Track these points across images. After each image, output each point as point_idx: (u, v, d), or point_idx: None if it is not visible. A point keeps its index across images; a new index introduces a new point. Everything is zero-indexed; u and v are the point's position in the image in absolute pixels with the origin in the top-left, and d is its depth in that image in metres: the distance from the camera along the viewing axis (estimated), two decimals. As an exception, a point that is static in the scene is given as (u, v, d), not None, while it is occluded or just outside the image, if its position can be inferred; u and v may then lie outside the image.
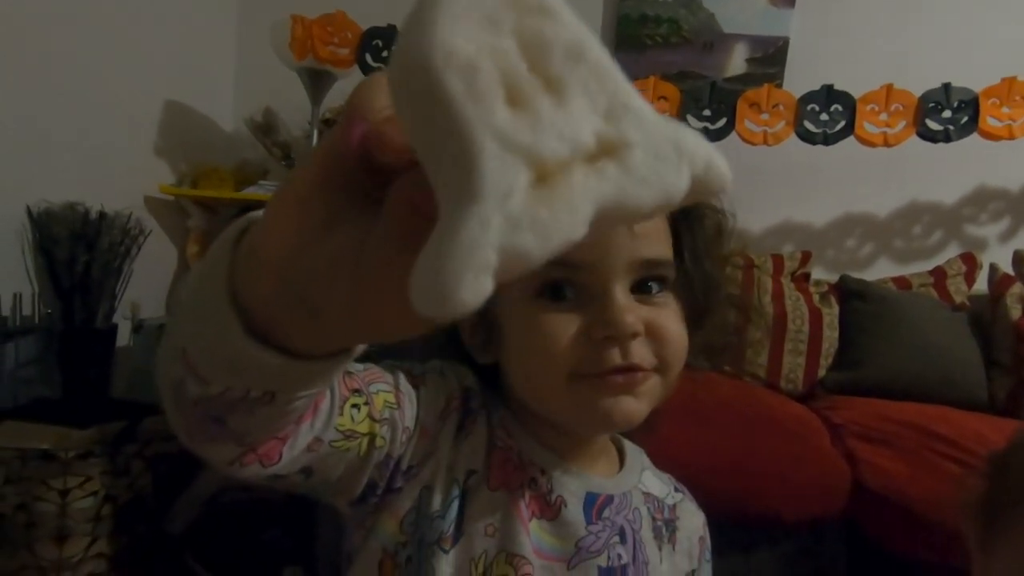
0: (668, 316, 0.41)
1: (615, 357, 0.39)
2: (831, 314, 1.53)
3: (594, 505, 0.44)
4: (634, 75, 1.77)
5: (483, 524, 0.41)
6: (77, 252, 1.57)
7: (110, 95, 1.74)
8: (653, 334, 0.40)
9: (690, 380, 1.37)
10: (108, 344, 1.64)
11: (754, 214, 2.05)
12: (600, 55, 0.17)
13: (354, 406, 0.36)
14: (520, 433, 0.44)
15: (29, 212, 1.53)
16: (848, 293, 1.56)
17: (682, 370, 0.42)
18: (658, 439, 1.10)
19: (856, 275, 1.77)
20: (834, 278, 1.70)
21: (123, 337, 1.75)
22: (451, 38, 0.15)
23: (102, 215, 1.61)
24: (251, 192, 1.94)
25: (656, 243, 0.41)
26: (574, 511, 0.43)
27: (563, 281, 0.40)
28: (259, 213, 0.23)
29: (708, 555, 0.52)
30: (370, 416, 0.37)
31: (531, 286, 0.40)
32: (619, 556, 0.44)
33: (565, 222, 0.15)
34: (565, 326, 0.39)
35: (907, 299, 1.51)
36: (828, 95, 1.53)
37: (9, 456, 1.14)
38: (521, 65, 0.16)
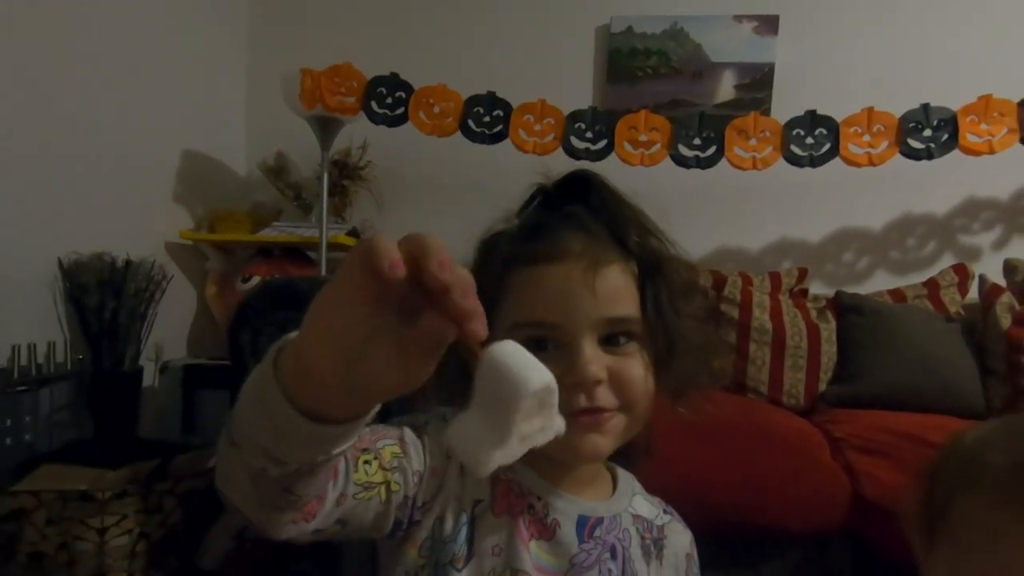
0: (631, 364, 0.48)
1: (582, 401, 0.46)
2: (828, 329, 1.58)
3: (586, 526, 0.50)
4: (627, 106, 1.86)
5: (490, 544, 0.48)
6: (105, 299, 1.66)
7: (130, 147, 1.85)
8: (616, 380, 0.47)
9: (696, 398, 1.42)
10: (135, 386, 1.72)
11: (752, 233, 2.12)
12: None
13: (366, 462, 0.43)
14: (518, 466, 0.51)
15: (60, 263, 1.63)
16: (844, 308, 1.61)
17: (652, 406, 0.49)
18: (665, 457, 1.15)
19: (853, 288, 1.82)
20: (832, 293, 1.75)
21: (148, 378, 1.83)
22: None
23: (127, 263, 1.70)
24: (266, 234, 2.04)
25: (620, 304, 0.48)
26: (567, 532, 0.50)
27: (543, 337, 0.48)
28: (291, 337, 0.32)
29: (696, 570, 0.58)
30: (381, 467, 0.44)
31: (520, 341, 0.46)
32: (609, 571, 0.50)
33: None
34: None
35: (902, 312, 1.55)
36: (812, 120, 1.60)
37: (51, 498, 1.20)
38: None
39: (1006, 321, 1.37)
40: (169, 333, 1.94)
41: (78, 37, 1.68)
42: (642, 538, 0.53)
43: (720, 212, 2.09)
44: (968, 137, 1.53)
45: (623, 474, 0.57)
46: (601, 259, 0.48)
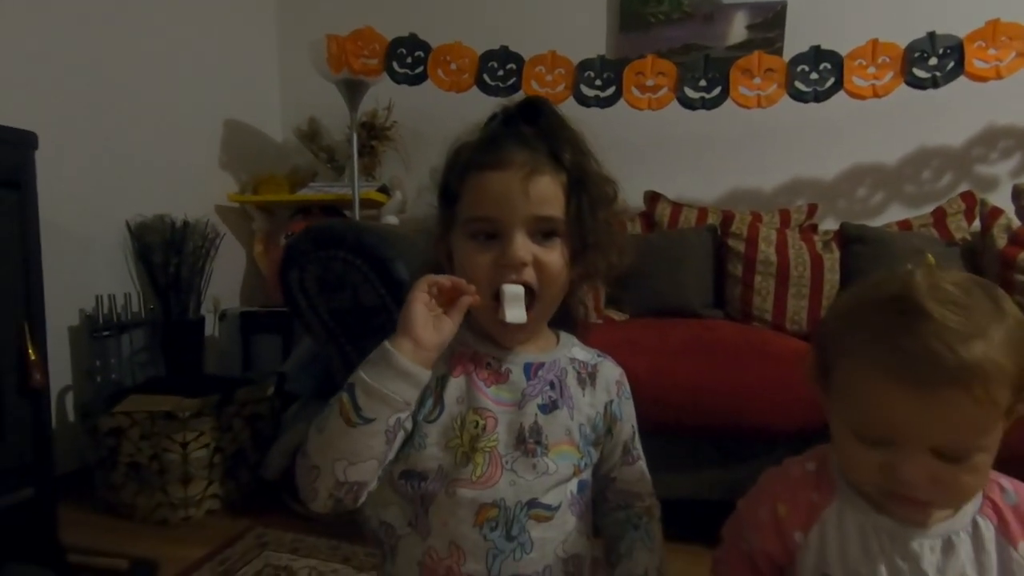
0: (552, 254, 0.61)
1: (511, 277, 0.60)
2: (832, 259, 1.65)
3: (531, 368, 0.65)
4: (640, 53, 1.91)
5: (454, 397, 0.63)
6: (169, 256, 1.87)
7: (179, 120, 2.03)
8: (539, 265, 0.61)
9: (699, 325, 1.56)
10: (199, 332, 1.94)
11: (765, 174, 2.17)
12: None
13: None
14: (474, 339, 0.65)
15: (128, 226, 1.84)
16: (849, 238, 1.68)
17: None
18: (668, 371, 1.28)
19: (867, 223, 1.87)
20: (844, 227, 1.81)
21: (209, 327, 2.05)
22: None
23: (185, 224, 1.90)
24: (304, 193, 2.21)
25: (548, 206, 0.60)
26: (517, 374, 0.65)
27: (485, 230, 0.61)
28: (360, 378, 0.56)
29: (627, 394, 0.71)
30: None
31: (467, 232, 0.62)
32: (550, 396, 0.64)
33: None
34: (484, 257, 0.61)
35: (903, 239, 1.61)
36: (816, 55, 1.63)
37: (142, 418, 1.43)
38: None
39: (1002, 241, 1.42)
40: (225, 286, 2.16)
41: (130, 25, 1.85)
42: (578, 373, 0.68)
43: (734, 154, 2.14)
44: (975, 63, 1.55)
45: (566, 335, 0.71)
46: (536, 169, 0.60)
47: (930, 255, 0.52)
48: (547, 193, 0.60)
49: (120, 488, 1.46)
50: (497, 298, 0.61)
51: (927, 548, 0.51)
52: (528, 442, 0.62)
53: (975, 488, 0.50)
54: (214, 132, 2.23)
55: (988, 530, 0.51)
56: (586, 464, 0.65)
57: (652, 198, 2.05)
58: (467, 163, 0.63)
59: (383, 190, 2.21)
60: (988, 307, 0.47)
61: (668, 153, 2.20)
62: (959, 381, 0.44)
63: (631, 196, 2.17)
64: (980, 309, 0.46)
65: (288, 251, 1.28)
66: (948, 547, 0.50)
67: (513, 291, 0.60)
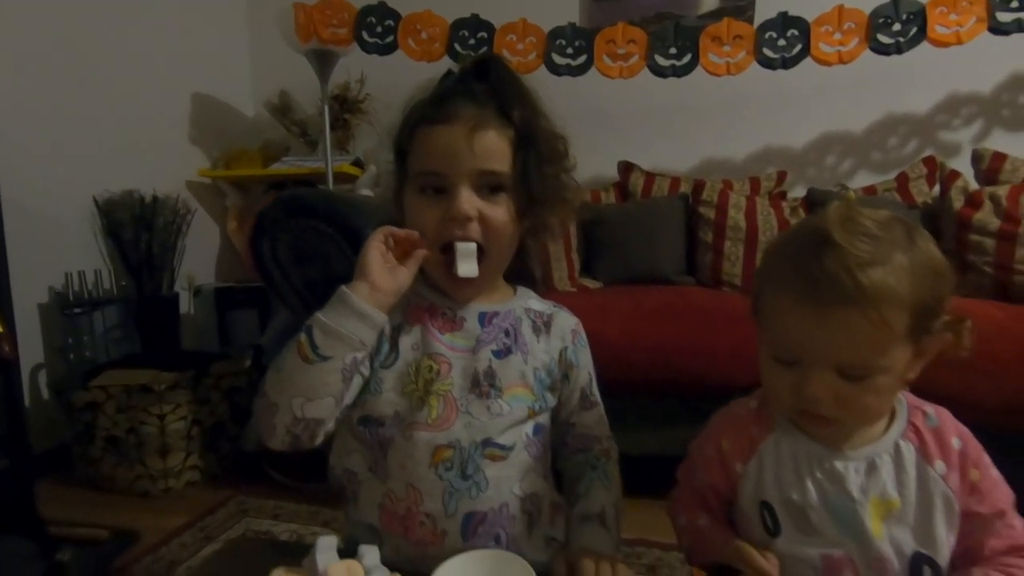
0: (498, 209, 0.63)
1: (457, 232, 0.62)
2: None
3: (486, 316, 0.68)
4: (613, 22, 1.91)
5: (409, 344, 0.65)
6: (139, 233, 1.84)
7: (145, 94, 1.99)
8: (484, 220, 0.62)
9: (671, 291, 1.59)
10: (174, 309, 1.93)
11: (736, 142, 2.20)
12: None
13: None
14: (430, 292, 0.68)
15: (95, 202, 1.81)
16: (814, 203, 1.72)
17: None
18: (639, 334, 1.31)
19: (835, 189, 1.91)
20: (813, 194, 1.84)
21: (184, 305, 2.04)
22: None
23: (155, 199, 1.88)
24: (277, 167, 2.18)
25: (493, 161, 0.62)
26: (472, 322, 0.67)
27: (432, 184, 0.63)
28: (318, 318, 0.58)
29: (583, 342, 0.74)
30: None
31: (416, 187, 0.64)
32: (504, 343, 0.67)
33: None
34: (432, 211, 0.63)
35: (867, 203, 1.65)
36: (784, 21, 1.65)
37: (118, 391, 1.43)
38: None
39: (959, 203, 1.47)
40: (199, 263, 2.14)
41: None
42: (533, 322, 0.70)
43: (707, 124, 2.16)
44: (936, 29, 1.58)
45: (524, 289, 0.74)
46: (482, 123, 0.61)
47: (852, 192, 0.54)
48: (492, 147, 0.62)
49: (98, 462, 1.46)
50: (446, 251, 0.63)
51: (851, 469, 0.54)
52: (482, 385, 0.64)
53: (877, 408, 0.54)
54: (182, 106, 2.18)
55: (909, 452, 0.54)
56: (541, 407, 0.67)
57: (626, 168, 2.07)
58: (417, 119, 0.64)
59: (357, 163, 2.20)
60: (899, 239, 0.50)
61: (642, 123, 2.22)
62: (854, 302, 0.48)
63: (605, 166, 2.20)
64: (890, 240, 0.49)
65: (259, 221, 1.28)
66: (871, 468, 0.54)
67: (466, 247, 0.62)
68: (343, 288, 0.60)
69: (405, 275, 0.62)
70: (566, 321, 0.73)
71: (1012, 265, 1.36)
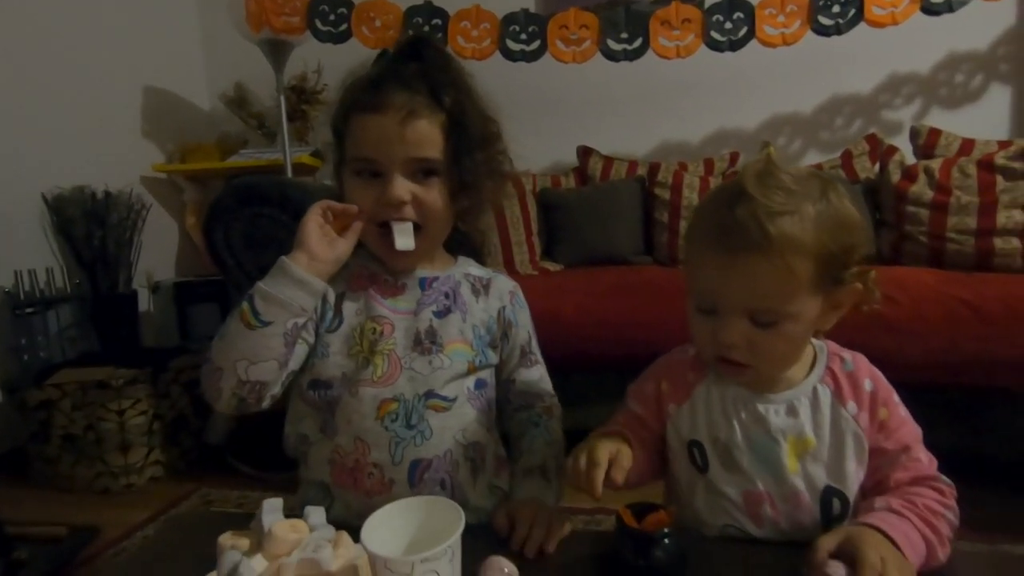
0: (431, 193, 0.66)
1: (393, 214, 0.65)
2: (750, 202, 1.74)
3: (426, 281, 0.71)
4: (564, 7, 1.93)
5: (353, 310, 0.68)
6: (92, 229, 1.80)
7: (94, 88, 1.94)
8: (418, 203, 0.65)
9: (628, 270, 1.63)
10: (132, 306, 1.90)
11: (690, 125, 2.25)
12: None
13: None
14: (372, 262, 0.71)
15: (44, 198, 1.76)
16: (764, 182, 1.77)
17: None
18: (597, 308, 1.34)
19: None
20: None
21: (143, 303, 2.00)
22: None
23: (107, 194, 1.84)
24: (235, 160, 2.16)
25: (425, 148, 0.64)
26: (413, 287, 0.70)
27: (368, 169, 0.65)
28: (259, 286, 0.60)
29: (521, 303, 0.77)
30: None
31: (353, 170, 0.66)
32: (445, 304, 0.70)
33: None
34: (368, 193, 0.65)
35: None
36: (730, 4, 1.69)
37: (72, 388, 1.41)
38: None
39: (896, 176, 1.54)
40: (157, 259, 2.10)
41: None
42: (472, 285, 0.74)
43: (663, 108, 2.21)
44: (873, 10, 1.64)
45: (464, 258, 0.77)
46: (414, 112, 0.63)
47: (771, 148, 0.58)
48: (424, 136, 0.64)
49: (56, 461, 1.44)
50: (383, 226, 0.66)
51: (772, 411, 0.58)
52: (424, 343, 0.67)
53: (787, 355, 0.57)
54: (134, 100, 2.14)
55: (825, 395, 0.58)
56: (481, 362, 0.71)
57: (584, 152, 2.10)
58: (350, 104, 0.66)
59: (316, 155, 2.18)
60: (812, 192, 0.53)
61: (600, 109, 2.25)
62: (760, 249, 0.51)
63: (565, 152, 2.24)
64: (803, 194, 0.53)
65: (212, 209, 1.27)
66: (791, 410, 0.58)
67: (402, 225, 0.66)
68: (283, 258, 0.62)
69: (344, 245, 0.64)
70: (504, 284, 0.76)
71: (944, 234, 1.43)
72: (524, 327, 0.76)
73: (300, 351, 0.65)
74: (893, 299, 1.21)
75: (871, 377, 0.59)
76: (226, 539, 0.55)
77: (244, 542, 0.54)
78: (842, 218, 0.53)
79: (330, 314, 0.68)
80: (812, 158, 2.13)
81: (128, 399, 1.43)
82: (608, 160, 2.07)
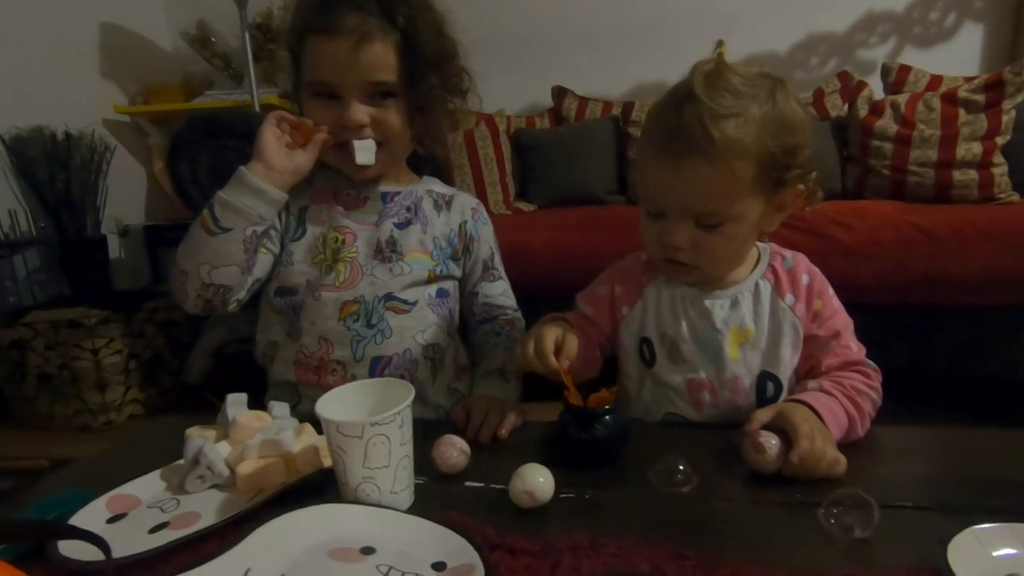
0: (389, 114, 0.66)
1: (352, 136, 0.66)
2: (721, 139, 1.75)
3: (388, 195, 0.73)
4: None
5: (316, 221, 0.70)
6: (54, 171, 1.76)
7: (49, 22, 1.85)
8: (377, 124, 0.66)
9: (598, 208, 1.64)
10: (102, 250, 1.87)
11: (668, 66, 2.22)
12: None
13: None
14: (335, 176, 0.72)
15: (2, 139, 1.71)
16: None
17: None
18: (562, 242, 1.36)
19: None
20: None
21: (114, 250, 1.98)
22: None
23: (68, 136, 1.78)
24: (200, 102, 2.09)
25: (380, 71, 0.64)
26: (375, 200, 0.72)
27: (324, 91, 0.66)
28: (218, 195, 0.62)
29: (484, 220, 0.79)
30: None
31: (310, 93, 0.67)
32: (406, 216, 0.72)
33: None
34: (326, 114, 0.66)
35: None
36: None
37: (44, 327, 1.41)
38: None
39: (864, 111, 1.56)
40: (125, 204, 2.07)
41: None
42: (435, 200, 0.76)
43: (638, 49, 2.18)
44: (848, -59, 1.62)
45: (429, 176, 0.79)
46: (366, 35, 0.63)
47: (724, 47, 0.59)
48: (378, 59, 0.64)
49: (33, 400, 1.45)
50: (344, 146, 0.66)
51: (717, 306, 0.61)
52: (385, 251, 0.70)
53: (731, 255, 0.60)
54: (91, 37, 2.05)
55: (766, 289, 0.62)
56: (442, 272, 0.73)
57: (559, 93, 2.08)
58: (302, 25, 0.66)
59: (285, 96, 2.13)
60: (760, 94, 0.54)
61: (576, 48, 2.21)
62: (703, 153, 0.52)
63: (540, 93, 2.21)
64: (750, 96, 0.54)
65: (175, 143, 1.25)
66: (734, 303, 0.61)
67: (362, 142, 0.66)
68: (241, 167, 0.63)
69: (303, 157, 0.65)
70: (467, 200, 0.78)
71: (906, 167, 1.47)
72: (487, 243, 0.78)
73: (265, 261, 0.68)
74: (851, 227, 1.24)
75: (808, 272, 0.63)
76: (193, 431, 0.58)
77: (210, 433, 0.57)
78: (787, 120, 0.54)
79: (293, 224, 0.70)
80: (786, 98, 2.13)
81: (102, 338, 1.44)
82: (583, 100, 2.05)
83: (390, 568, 0.36)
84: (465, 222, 0.76)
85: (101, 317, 1.44)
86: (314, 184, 0.71)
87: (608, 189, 1.87)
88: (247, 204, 0.62)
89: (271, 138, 0.64)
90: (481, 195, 1.82)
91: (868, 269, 1.18)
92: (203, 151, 1.24)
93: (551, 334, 0.57)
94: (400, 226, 0.71)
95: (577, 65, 2.19)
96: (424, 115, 0.68)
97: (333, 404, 0.46)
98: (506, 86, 2.22)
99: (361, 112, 0.65)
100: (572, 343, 0.57)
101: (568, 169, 1.86)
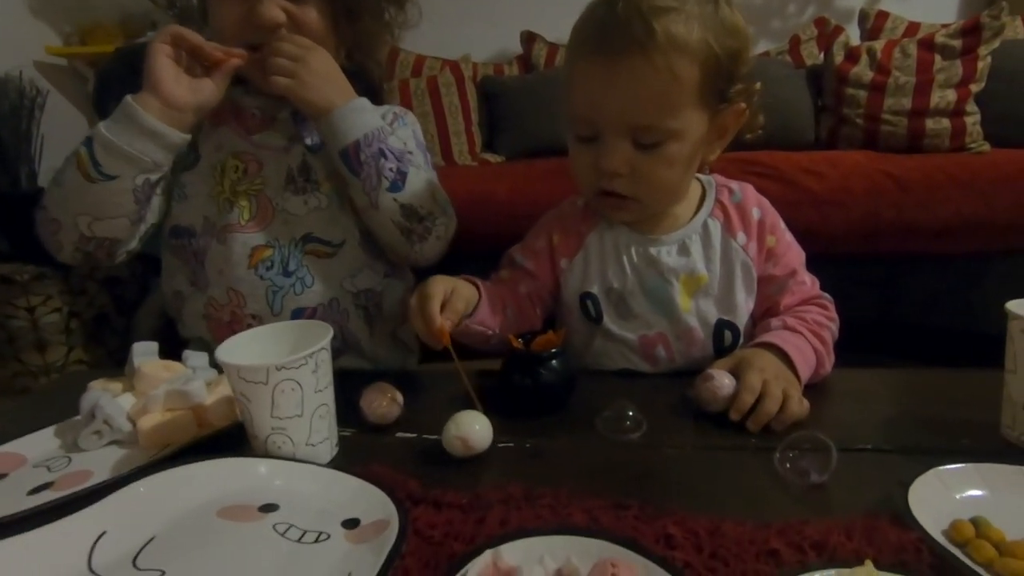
0: (308, 13, 0.58)
1: (264, 36, 0.57)
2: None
3: (301, 115, 0.62)
4: None
5: (212, 146, 0.61)
6: (-21, 117, 1.62)
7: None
8: (295, 23, 0.58)
9: (567, 160, 1.55)
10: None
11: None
12: None
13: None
14: (240, 93, 0.62)
15: (-81, 81, 1.56)
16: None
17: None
18: (528, 190, 1.30)
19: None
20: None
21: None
22: None
23: (-7, 77, 1.63)
24: (142, 42, 1.94)
25: None
26: (285, 119, 0.63)
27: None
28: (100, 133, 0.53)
29: (403, 121, 0.68)
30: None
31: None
32: (315, 139, 0.63)
33: None
34: (235, 12, 0.57)
35: (756, 66, 1.66)
36: None
37: (-29, 284, 1.31)
38: None
39: (840, 58, 1.51)
40: (64, 155, 1.93)
41: None
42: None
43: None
44: None
45: (361, 98, 0.68)
46: None
47: None
48: None
49: (-34, 361, 1.36)
50: (255, 49, 0.58)
51: (664, 252, 0.56)
52: (297, 181, 0.62)
53: (672, 183, 0.53)
54: (14, -31, 1.86)
55: (715, 228, 0.57)
56: None
57: (528, 39, 1.97)
58: None
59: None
60: None
61: (546, -9, 2.10)
62: (642, 49, 0.46)
63: (508, 40, 2.10)
64: None
65: (102, 79, 1.14)
66: (682, 249, 0.57)
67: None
68: (128, 100, 0.53)
69: (210, 90, 0.55)
70: (409, 120, 0.69)
71: (880, 115, 1.43)
72: (401, 139, 0.64)
73: (157, 204, 0.59)
74: (822, 175, 1.21)
75: (759, 205, 0.58)
76: (96, 383, 0.52)
77: (116, 386, 0.51)
78: (729, 23, 0.49)
79: (184, 148, 0.60)
80: (761, 47, 2.06)
81: (37, 296, 1.35)
82: (553, 47, 1.95)
83: (289, 526, 0.32)
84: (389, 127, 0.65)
85: (35, 273, 1.34)
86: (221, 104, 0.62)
87: (578, 140, 1.80)
88: (139, 149, 0.52)
89: (166, 65, 0.53)
90: (445, 145, 1.73)
91: (838, 218, 1.15)
92: (130, 86, 1.13)
93: (439, 288, 0.48)
94: (314, 148, 0.62)
95: (547, 9, 2.08)
96: (352, 20, 0.60)
97: (240, 349, 0.41)
98: (473, 31, 2.11)
99: (275, 8, 0.56)
100: (460, 299, 0.49)
101: (537, 119, 1.78)
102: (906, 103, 1.40)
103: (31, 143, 1.72)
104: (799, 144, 1.51)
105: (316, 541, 0.31)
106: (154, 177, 0.55)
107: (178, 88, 0.53)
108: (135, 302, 1.56)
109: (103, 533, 0.31)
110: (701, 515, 0.34)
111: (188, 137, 0.55)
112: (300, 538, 0.31)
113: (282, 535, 0.31)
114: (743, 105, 0.52)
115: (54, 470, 0.42)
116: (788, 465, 0.38)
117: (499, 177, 1.37)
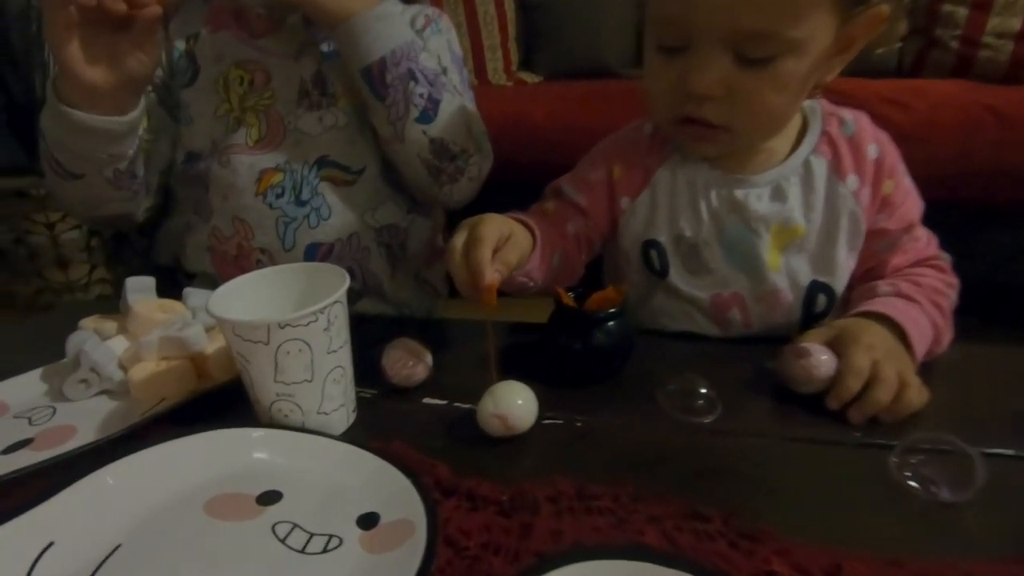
0: None
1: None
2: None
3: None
4: None
5: (212, 56, 0.53)
6: (-12, 19, 1.52)
7: None
8: None
9: (607, 81, 1.42)
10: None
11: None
12: None
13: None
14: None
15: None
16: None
17: None
18: (566, 114, 1.19)
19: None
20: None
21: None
22: None
23: (-3, -27, 1.52)
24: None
25: None
26: (296, 20, 0.54)
27: None
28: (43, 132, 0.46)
29: (437, 27, 0.59)
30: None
31: None
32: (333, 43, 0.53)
33: None
34: None
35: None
36: None
37: (-12, 197, 1.27)
38: None
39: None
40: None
41: None
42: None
43: None
44: None
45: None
46: None
47: None
48: None
49: (-9, 276, 1.35)
50: None
51: (753, 197, 0.46)
52: (312, 95, 0.53)
53: (776, 110, 0.42)
54: None
55: (820, 168, 0.46)
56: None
57: (573, -60, 1.76)
58: None
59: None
60: None
61: None
62: None
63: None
64: None
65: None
66: (777, 192, 0.46)
67: None
68: (51, 97, 0.43)
69: (137, 58, 0.44)
70: (420, 10, 0.58)
71: (980, 39, 1.24)
72: (434, 53, 0.56)
73: (164, 146, 0.54)
74: (907, 106, 1.06)
75: (877, 141, 0.46)
76: (88, 322, 0.46)
77: (111, 324, 0.46)
78: None
79: (183, 64, 0.52)
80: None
81: (56, 212, 1.31)
82: (601, -49, 1.74)
83: (293, 527, 0.26)
84: (421, 31, 0.56)
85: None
86: (209, 1, 0.53)
87: (624, 61, 1.63)
88: (83, 147, 0.45)
89: (67, 40, 0.41)
90: (479, 62, 1.59)
91: (922, 156, 0.99)
92: None
93: (493, 231, 0.37)
94: (331, 55, 0.52)
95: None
96: None
97: (238, 299, 0.34)
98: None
99: None
100: (514, 249, 0.39)
101: (580, 35, 1.61)
102: (1015, 24, 1.20)
103: (43, 48, 1.63)
104: (879, 71, 1.33)
105: (324, 550, 0.25)
106: (123, 166, 0.48)
107: (93, 70, 0.42)
108: (155, 223, 1.52)
109: (50, 544, 0.24)
110: (812, 545, 0.27)
111: (137, 117, 0.47)
112: (305, 546, 0.25)
113: (283, 541, 0.25)
114: (885, 8, 0.40)
115: (36, 423, 0.37)
116: (910, 473, 0.30)
117: (535, 99, 1.25)
